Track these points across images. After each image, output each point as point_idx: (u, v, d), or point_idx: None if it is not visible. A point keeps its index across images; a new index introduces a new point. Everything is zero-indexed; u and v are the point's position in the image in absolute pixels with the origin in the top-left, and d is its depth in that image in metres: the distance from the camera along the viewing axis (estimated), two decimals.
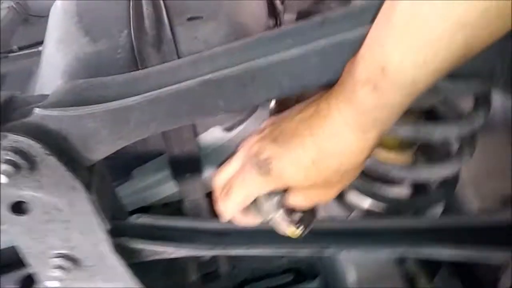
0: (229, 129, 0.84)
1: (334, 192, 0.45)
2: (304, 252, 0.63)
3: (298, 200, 0.46)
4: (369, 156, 0.42)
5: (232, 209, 0.48)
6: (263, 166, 0.43)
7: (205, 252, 0.64)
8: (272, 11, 1.02)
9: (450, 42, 0.32)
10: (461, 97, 0.82)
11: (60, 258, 0.57)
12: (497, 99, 0.91)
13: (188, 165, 0.82)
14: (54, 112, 0.46)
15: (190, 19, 0.78)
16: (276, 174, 0.43)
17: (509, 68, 0.62)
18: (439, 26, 0.31)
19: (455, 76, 0.63)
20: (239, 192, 0.46)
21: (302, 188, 0.45)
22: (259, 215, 0.50)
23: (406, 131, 0.71)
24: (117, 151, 0.51)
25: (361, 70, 0.37)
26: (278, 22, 1.03)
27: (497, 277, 0.79)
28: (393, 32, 0.34)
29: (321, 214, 0.91)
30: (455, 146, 0.84)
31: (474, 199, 0.98)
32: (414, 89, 0.35)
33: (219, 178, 0.49)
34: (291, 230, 0.49)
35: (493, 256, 0.63)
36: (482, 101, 0.74)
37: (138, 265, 0.62)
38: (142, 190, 0.86)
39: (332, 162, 0.41)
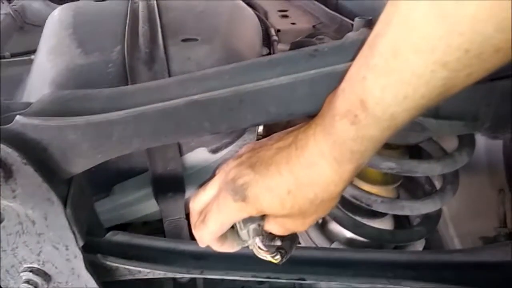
0: (215, 151, 0.83)
1: (309, 222, 0.45)
2: (283, 279, 0.62)
3: (273, 228, 0.46)
4: (344, 188, 0.42)
5: (208, 237, 0.48)
6: (239, 192, 0.43)
7: (181, 274, 0.62)
8: (267, 41, 1.04)
9: (430, 80, 0.32)
10: (445, 136, 0.84)
11: (30, 273, 0.55)
12: (481, 140, 0.92)
13: (171, 184, 0.81)
14: (35, 121, 0.45)
15: (185, 40, 0.79)
16: (252, 200, 0.42)
17: (493, 113, 0.63)
18: (420, 64, 0.31)
19: (440, 117, 0.65)
20: (214, 220, 0.46)
21: (277, 216, 0.44)
22: (236, 242, 0.49)
23: (390, 166, 0.71)
24: (99, 165, 0.50)
25: (341, 102, 0.38)
26: (272, 52, 1.04)
27: None
28: (374, 67, 0.34)
29: (303, 243, 0.90)
30: (438, 184, 0.85)
31: (454, 238, 0.98)
32: (392, 124, 0.36)
33: (196, 202, 0.49)
34: (268, 258, 0.48)
35: None
36: (466, 142, 0.76)
37: (112, 284, 0.61)
38: (122, 206, 0.84)
39: (308, 193, 0.41)
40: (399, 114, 0.35)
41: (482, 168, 0.94)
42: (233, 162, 0.46)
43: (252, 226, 0.46)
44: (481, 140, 0.93)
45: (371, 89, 0.35)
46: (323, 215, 0.46)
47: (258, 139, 0.79)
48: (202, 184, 0.50)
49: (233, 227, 0.49)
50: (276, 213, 0.44)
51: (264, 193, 0.42)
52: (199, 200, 0.49)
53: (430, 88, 0.32)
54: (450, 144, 0.80)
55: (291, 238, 0.50)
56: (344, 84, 0.38)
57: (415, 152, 0.86)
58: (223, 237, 0.49)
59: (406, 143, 0.75)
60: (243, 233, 0.47)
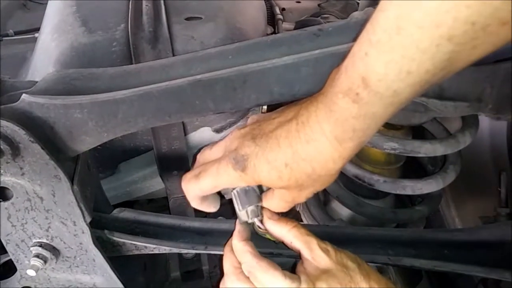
0: (219, 130, 0.84)
1: (305, 194, 0.46)
2: (285, 255, 0.63)
3: (271, 205, 0.48)
4: (343, 166, 0.42)
5: (196, 192, 0.49)
6: (239, 162, 0.44)
7: (186, 250, 0.63)
8: (271, 19, 1.03)
9: (435, 55, 0.32)
10: (449, 117, 0.83)
11: (40, 247, 0.56)
12: (485, 122, 0.92)
13: (176, 163, 0.82)
14: (42, 100, 0.45)
15: (188, 19, 0.78)
16: (251, 171, 0.44)
17: (497, 94, 0.63)
18: (424, 39, 0.31)
19: (444, 98, 0.64)
20: (209, 181, 0.47)
21: (275, 187, 0.46)
22: (213, 205, 0.52)
23: (393, 146, 0.72)
24: (105, 144, 0.51)
25: (343, 80, 0.38)
26: (276, 31, 1.03)
27: None
28: (377, 43, 0.34)
29: (305, 221, 0.92)
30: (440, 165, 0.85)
31: (456, 218, 0.99)
32: (396, 100, 0.36)
33: (201, 155, 0.51)
34: (267, 236, 0.50)
35: (472, 270, 0.64)
36: (470, 123, 0.76)
37: (119, 259, 0.62)
38: (128, 184, 0.85)
39: (305, 167, 0.42)
40: (402, 90, 0.35)
41: (485, 149, 0.94)
42: (238, 132, 0.47)
43: (251, 208, 0.48)
44: (485, 121, 0.92)
45: (373, 65, 0.34)
46: (320, 189, 0.46)
47: None
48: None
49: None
50: (273, 185, 0.45)
51: (263, 165, 0.43)
52: (203, 155, 0.51)
53: (435, 63, 0.32)
54: (455, 125, 0.80)
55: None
56: (346, 62, 0.38)
57: (418, 133, 0.86)
58: (206, 197, 0.51)
59: (410, 124, 0.75)
60: (241, 213, 0.49)
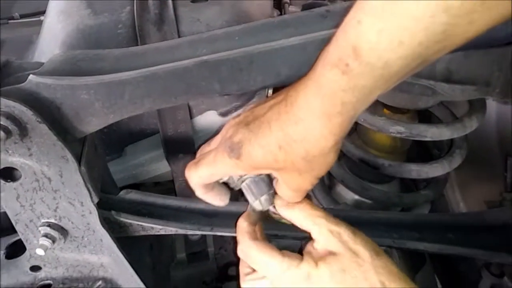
0: (224, 114, 0.84)
1: (309, 179, 0.45)
2: (290, 237, 0.63)
3: (281, 194, 0.48)
4: (336, 144, 0.41)
5: (195, 180, 0.50)
6: (234, 149, 0.44)
7: (192, 231, 0.64)
8: (278, 2, 1.02)
9: (429, 26, 0.31)
10: (456, 101, 0.83)
11: (48, 227, 0.57)
12: (493, 107, 0.91)
13: (182, 146, 0.83)
14: (49, 80, 0.46)
15: (194, 1, 0.78)
16: (245, 158, 0.43)
17: (505, 77, 0.62)
18: (419, 8, 0.30)
19: (452, 81, 0.64)
20: (206, 168, 0.47)
21: (272, 169, 0.45)
22: (219, 197, 0.52)
23: (399, 130, 0.71)
24: (112, 126, 0.51)
25: (333, 51, 0.37)
26: (283, 14, 1.02)
27: (479, 276, 0.81)
28: (370, 11, 0.33)
29: None
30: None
31: (460, 203, 0.99)
32: (386, 72, 0.35)
33: (200, 150, 0.51)
34: (282, 220, 0.50)
35: (476, 253, 0.65)
36: (477, 107, 0.75)
37: (125, 240, 0.63)
38: (134, 167, 0.86)
39: (298, 149, 0.41)
40: (394, 62, 0.34)
41: (491, 134, 0.93)
42: (233, 120, 0.47)
43: (263, 197, 0.48)
44: (492, 106, 0.92)
45: (366, 33, 0.33)
46: (321, 173, 0.44)
47: None
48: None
49: (226, 183, 0.51)
50: (271, 167, 0.44)
51: (257, 150, 0.42)
52: (202, 149, 0.51)
53: (428, 34, 0.32)
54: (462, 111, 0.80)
55: None
56: (338, 32, 0.37)
57: (425, 117, 0.85)
58: (210, 187, 0.51)
59: (416, 108, 0.75)
60: (255, 204, 0.49)
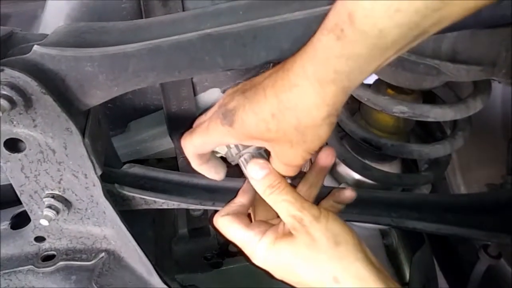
0: None
1: (300, 153, 0.44)
2: None
3: (274, 164, 0.48)
4: (329, 116, 0.40)
5: (189, 148, 0.50)
6: (227, 116, 0.44)
7: (194, 206, 0.65)
8: None
9: None
10: (461, 83, 0.82)
11: (52, 198, 0.58)
12: (498, 89, 0.91)
13: (185, 122, 0.83)
14: (53, 51, 0.46)
15: None
16: (238, 125, 0.43)
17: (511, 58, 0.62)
18: None
19: (457, 61, 0.63)
20: (199, 136, 0.48)
21: (264, 141, 0.45)
22: (214, 169, 0.54)
23: (402, 110, 0.71)
24: (116, 102, 0.52)
25: (330, 17, 0.36)
26: None
27: (477, 258, 0.82)
28: None
29: None
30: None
31: (461, 186, 0.99)
32: (380, 42, 0.34)
33: (197, 120, 0.52)
34: None
35: (475, 234, 0.65)
36: (481, 88, 0.75)
37: (128, 213, 0.64)
38: (137, 143, 0.87)
39: (291, 117, 0.41)
40: (389, 31, 0.33)
41: (495, 117, 0.93)
42: (231, 89, 0.47)
43: None
44: (497, 89, 0.91)
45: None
46: (313, 147, 0.43)
47: None
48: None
49: (223, 158, 0.52)
50: (263, 137, 0.44)
51: (250, 117, 0.42)
52: (199, 119, 0.51)
53: (426, 1, 0.31)
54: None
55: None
56: None
57: (429, 99, 0.85)
58: (205, 158, 0.51)
59: (421, 88, 0.74)
60: None
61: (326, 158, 0.53)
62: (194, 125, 0.51)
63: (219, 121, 0.45)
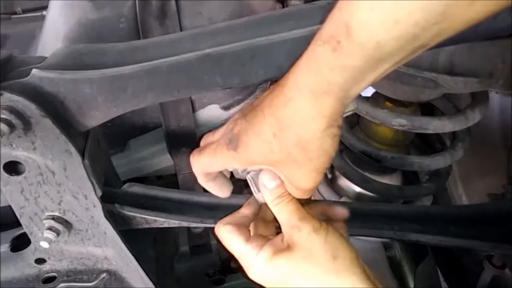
0: (227, 108, 0.84)
1: (309, 174, 0.43)
2: None
3: (288, 188, 0.47)
4: (329, 127, 0.39)
5: (196, 166, 0.51)
6: (233, 141, 0.44)
7: (195, 224, 0.64)
8: None
9: (427, 5, 0.30)
10: (459, 94, 0.83)
11: (52, 220, 0.57)
12: (496, 100, 0.91)
13: (184, 139, 0.83)
14: (52, 74, 0.46)
15: None
16: (242, 150, 0.44)
17: (509, 69, 0.62)
18: None
19: (455, 74, 0.64)
20: (207, 156, 0.49)
21: (270, 165, 0.44)
22: (219, 188, 0.54)
23: (401, 123, 0.71)
24: (115, 121, 0.52)
25: (326, 28, 0.36)
26: (285, 7, 1.02)
27: (481, 268, 0.82)
28: None
29: (312, 197, 0.92)
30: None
31: (463, 196, 0.99)
32: (377, 54, 0.33)
33: (203, 139, 0.53)
34: None
35: (478, 245, 0.65)
36: (479, 99, 0.75)
37: (129, 233, 0.64)
38: (137, 160, 0.87)
39: (290, 133, 0.40)
40: (386, 43, 0.32)
41: (494, 127, 0.93)
42: (237, 114, 0.48)
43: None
44: (495, 99, 0.91)
45: (358, 10, 0.32)
46: (320, 164, 0.42)
47: None
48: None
49: (231, 173, 0.52)
50: (267, 160, 0.43)
51: (252, 139, 0.43)
52: (206, 138, 0.52)
53: (426, 14, 0.30)
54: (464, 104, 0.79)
55: None
56: (333, 10, 0.36)
57: (427, 111, 0.85)
58: (212, 176, 0.52)
59: (419, 100, 0.75)
60: (258, 196, 0.51)
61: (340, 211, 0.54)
62: (202, 142, 0.52)
63: (225, 145, 0.45)
